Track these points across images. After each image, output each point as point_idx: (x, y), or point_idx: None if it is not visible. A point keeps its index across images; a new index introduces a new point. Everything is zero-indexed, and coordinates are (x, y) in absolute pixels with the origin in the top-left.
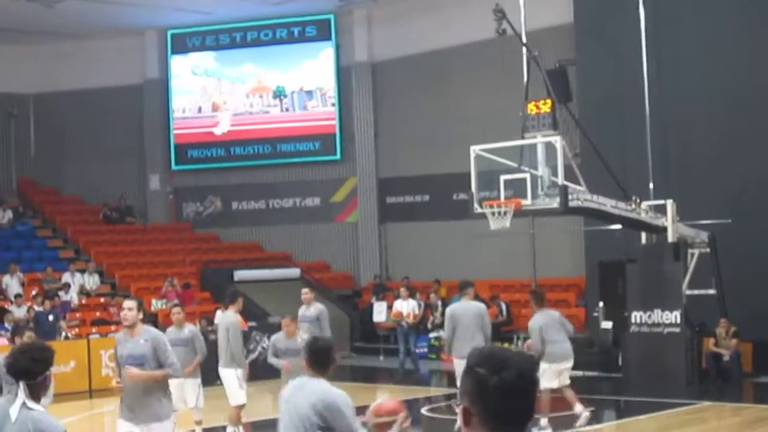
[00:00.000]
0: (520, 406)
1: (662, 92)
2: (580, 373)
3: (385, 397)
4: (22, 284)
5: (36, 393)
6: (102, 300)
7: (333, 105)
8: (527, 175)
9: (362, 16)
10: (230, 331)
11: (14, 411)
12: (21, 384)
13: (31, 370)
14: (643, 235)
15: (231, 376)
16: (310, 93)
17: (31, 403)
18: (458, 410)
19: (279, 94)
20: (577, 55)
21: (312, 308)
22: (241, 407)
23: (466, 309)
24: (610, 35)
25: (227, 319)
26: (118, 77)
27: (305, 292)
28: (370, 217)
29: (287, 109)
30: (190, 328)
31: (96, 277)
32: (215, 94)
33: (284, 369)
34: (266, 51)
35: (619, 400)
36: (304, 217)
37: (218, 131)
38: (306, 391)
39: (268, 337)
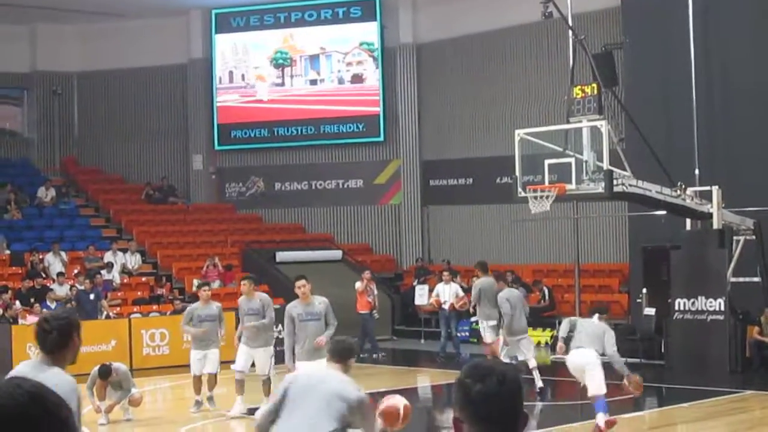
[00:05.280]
0: (504, 409)
1: (709, 77)
2: (622, 359)
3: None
4: (65, 263)
5: None
6: (143, 279)
7: (377, 85)
8: (572, 160)
9: None
10: None
11: None
12: None
13: None
14: (688, 222)
15: None
16: (355, 51)
17: None
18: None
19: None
20: (624, 39)
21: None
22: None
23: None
24: (657, 19)
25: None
26: (163, 56)
27: (244, 284)
28: (412, 200)
29: (331, 81)
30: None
31: (138, 257)
32: (256, 68)
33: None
34: (310, 31)
35: (662, 388)
36: (346, 199)
37: (259, 100)
38: None
39: None
